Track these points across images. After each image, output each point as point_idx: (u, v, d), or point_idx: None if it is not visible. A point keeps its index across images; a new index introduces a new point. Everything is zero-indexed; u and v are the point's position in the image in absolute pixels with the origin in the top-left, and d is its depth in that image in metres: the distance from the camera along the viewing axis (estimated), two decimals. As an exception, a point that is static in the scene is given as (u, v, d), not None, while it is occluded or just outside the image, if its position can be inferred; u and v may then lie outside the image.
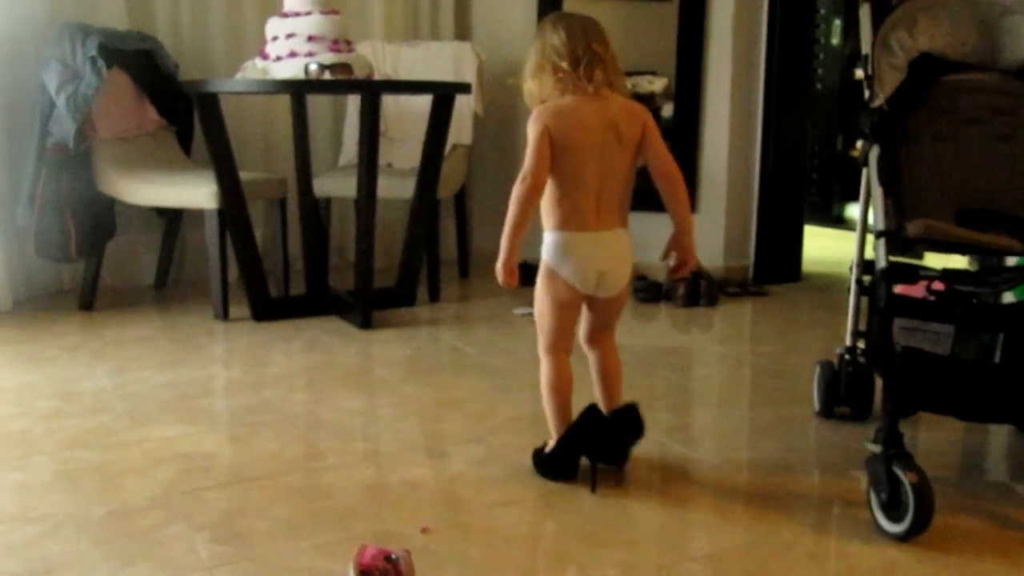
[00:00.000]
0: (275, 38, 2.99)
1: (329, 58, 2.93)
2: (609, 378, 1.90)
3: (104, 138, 3.24)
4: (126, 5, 3.54)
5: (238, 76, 3.02)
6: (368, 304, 3.06)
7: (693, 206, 3.87)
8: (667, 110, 3.90)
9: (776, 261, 3.93)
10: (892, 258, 1.72)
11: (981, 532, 1.64)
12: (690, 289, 3.47)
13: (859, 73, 5.69)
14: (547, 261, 1.85)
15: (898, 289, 1.74)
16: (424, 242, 3.36)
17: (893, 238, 1.69)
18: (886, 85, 1.84)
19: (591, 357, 1.92)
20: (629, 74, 3.93)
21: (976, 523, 1.68)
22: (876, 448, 1.63)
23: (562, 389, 1.84)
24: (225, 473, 1.87)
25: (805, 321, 3.29)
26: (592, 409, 1.83)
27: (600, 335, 1.90)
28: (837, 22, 5.76)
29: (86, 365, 2.62)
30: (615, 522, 1.67)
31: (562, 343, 1.85)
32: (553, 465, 1.84)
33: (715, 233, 3.86)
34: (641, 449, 2.00)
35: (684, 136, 3.86)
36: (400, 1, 4.14)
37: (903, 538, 1.58)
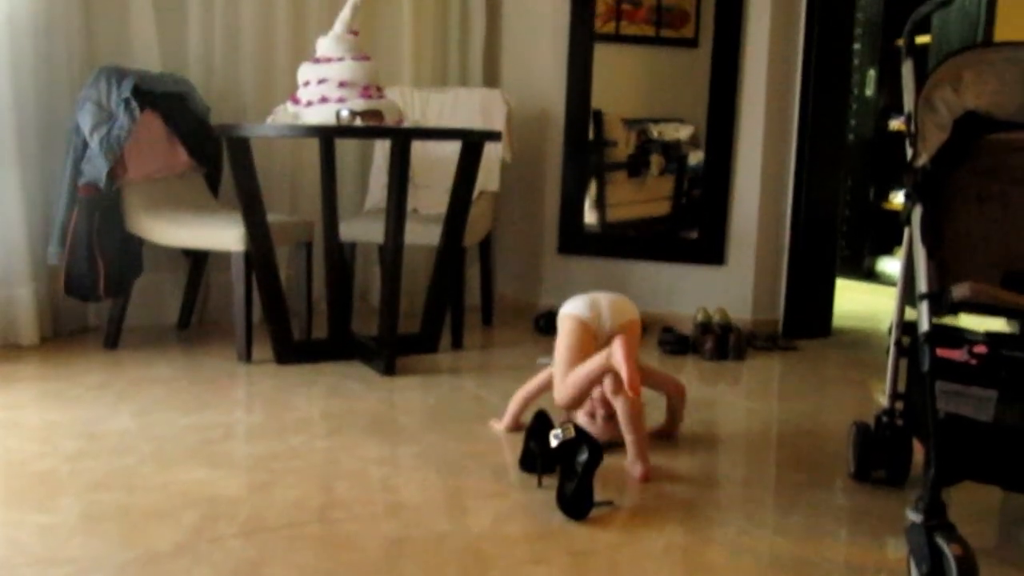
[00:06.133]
0: (307, 83, 3.02)
1: (360, 104, 2.94)
2: None
3: (134, 179, 3.27)
4: (160, 49, 3.59)
5: (269, 120, 3.04)
6: (391, 350, 3.04)
7: (723, 257, 3.86)
8: (693, 158, 3.90)
9: (806, 315, 3.88)
10: (934, 320, 1.68)
11: (1027, 607, 1.58)
12: (718, 342, 3.43)
13: (893, 124, 5.68)
14: None
15: (938, 351, 1.70)
16: (448, 289, 3.35)
17: (937, 300, 1.65)
18: (929, 143, 1.81)
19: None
20: (655, 121, 3.94)
21: (1022, 597, 1.62)
22: (917, 517, 1.58)
23: None
24: (249, 520, 1.84)
25: (836, 378, 3.24)
26: (540, 413, 2.19)
27: None
28: (872, 72, 5.75)
29: (110, 405, 2.61)
30: (646, 585, 1.63)
31: None
32: (520, 460, 2.21)
33: (744, 286, 3.83)
34: (670, 510, 1.96)
35: (714, 185, 3.84)
36: (430, 47, 4.19)
37: (947, 613, 1.52)
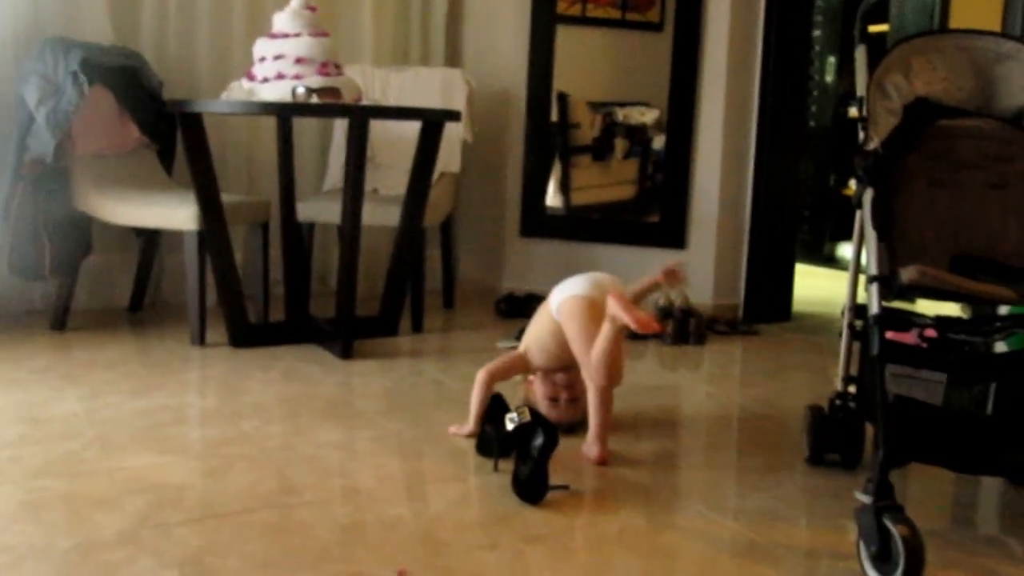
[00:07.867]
0: (263, 59, 2.95)
1: (317, 81, 2.89)
2: None
3: (83, 155, 3.18)
4: (111, 20, 3.49)
5: (223, 96, 2.97)
6: (349, 334, 3.00)
7: (683, 241, 3.86)
8: (658, 142, 3.89)
9: (766, 300, 3.89)
10: (885, 303, 1.69)
11: (974, 588, 1.60)
12: (679, 327, 3.43)
13: (853, 111, 5.73)
14: None
15: (889, 335, 1.71)
16: (408, 271, 3.31)
17: (886, 283, 1.66)
18: (880, 128, 1.82)
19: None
20: (620, 105, 3.92)
21: (968, 579, 1.64)
22: (866, 499, 1.59)
23: None
24: (197, 507, 1.81)
25: (795, 362, 3.26)
26: (495, 397, 2.24)
27: None
28: (832, 59, 5.79)
29: (56, 389, 2.54)
30: (599, 570, 1.62)
31: None
32: (477, 444, 2.20)
33: (705, 270, 3.83)
34: (627, 495, 1.95)
35: (675, 169, 3.84)
36: (390, 25, 4.13)
37: (894, 593, 1.53)
